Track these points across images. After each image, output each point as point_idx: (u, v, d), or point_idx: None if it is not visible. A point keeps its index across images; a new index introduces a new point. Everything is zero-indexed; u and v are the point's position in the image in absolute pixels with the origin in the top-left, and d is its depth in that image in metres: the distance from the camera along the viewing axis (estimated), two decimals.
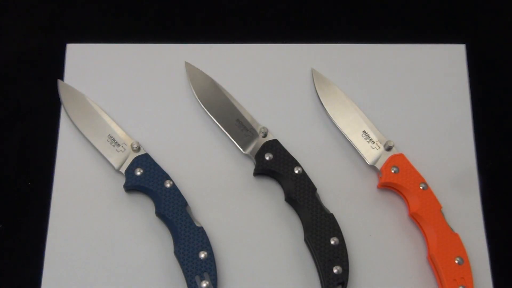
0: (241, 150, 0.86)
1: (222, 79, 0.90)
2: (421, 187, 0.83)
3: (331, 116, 0.88)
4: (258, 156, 0.85)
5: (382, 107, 0.90)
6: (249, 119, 0.87)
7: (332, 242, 0.80)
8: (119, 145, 0.85)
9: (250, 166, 0.86)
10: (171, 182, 0.82)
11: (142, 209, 0.84)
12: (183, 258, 0.79)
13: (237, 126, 0.87)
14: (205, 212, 0.84)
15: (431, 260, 0.80)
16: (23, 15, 0.97)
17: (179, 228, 0.80)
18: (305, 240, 0.81)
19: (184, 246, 0.79)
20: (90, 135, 0.86)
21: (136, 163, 0.83)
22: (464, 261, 0.79)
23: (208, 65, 0.91)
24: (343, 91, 0.90)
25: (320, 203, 0.82)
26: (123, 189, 0.84)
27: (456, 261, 0.79)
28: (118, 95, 0.90)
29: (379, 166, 0.85)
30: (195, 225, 0.80)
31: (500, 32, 0.98)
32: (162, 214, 0.81)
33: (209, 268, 0.78)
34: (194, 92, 0.90)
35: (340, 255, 0.79)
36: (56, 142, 0.87)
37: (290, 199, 0.83)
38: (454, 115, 0.90)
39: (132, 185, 0.83)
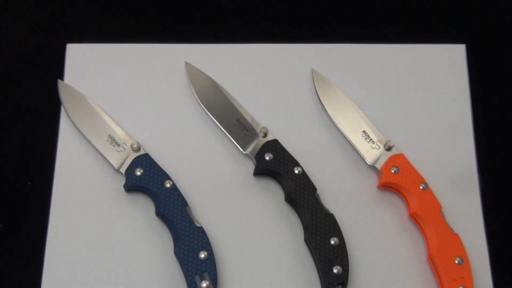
0: (241, 150, 0.86)
1: (222, 79, 0.90)
2: (421, 187, 0.83)
3: (331, 116, 0.88)
4: (258, 156, 0.85)
5: (382, 107, 0.90)
6: (249, 119, 0.87)
7: (332, 242, 0.80)
8: (119, 145, 0.85)
9: (250, 166, 0.86)
10: (171, 182, 0.82)
11: (142, 209, 0.84)
12: (183, 258, 0.79)
13: (237, 126, 0.87)
14: (205, 212, 0.84)
15: (431, 260, 0.80)
16: (23, 15, 0.97)
17: (179, 228, 0.80)
18: (305, 240, 0.81)
19: (184, 246, 0.79)
20: (90, 135, 0.86)
21: (136, 163, 0.83)
22: (464, 261, 0.79)
23: (208, 65, 0.91)
24: (343, 91, 0.90)
25: (320, 203, 0.82)
26: (123, 189, 0.84)
27: (456, 261, 0.79)
28: (118, 95, 0.90)
29: (379, 166, 0.85)
30: (195, 225, 0.80)
31: (500, 32, 0.98)
32: (162, 214, 0.81)
33: (209, 268, 0.78)
34: (194, 92, 0.90)
35: (340, 255, 0.79)
36: (56, 142, 0.87)
37: (290, 199, 0.83)
38: (454, 115, 0.90)
39: (132, 185, 0.83)
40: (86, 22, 0.97)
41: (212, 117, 0.88)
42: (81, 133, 0.86)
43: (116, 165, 0.84)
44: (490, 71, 0.95)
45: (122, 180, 0.84)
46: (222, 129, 0.87)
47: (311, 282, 0.81)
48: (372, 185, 0.86)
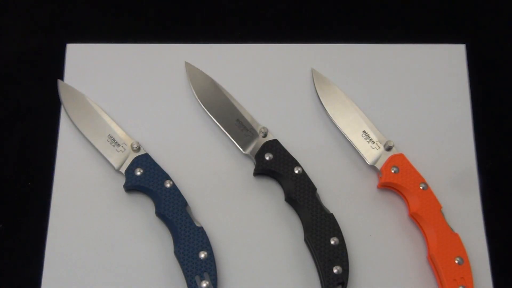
0: (241, 150, 0.86)
1: (222, 79, 0.90)
2: (421, 187, 0.83)
3: (331, 116, 0.88)
4: (258, 156, 0.85)
5: (382, 107, 0.90)
6: (249, 119, 0.87)
7: (332, 242, 0.80)
8: (119, 145, 0.85)
9: (250, 166, 0.86)
10: (171, 182, 0.82)
11: (142, 209, 0.84)
12: (183, 258, 0.79)
13: (237, 126, 0.87)
14: (205, 212, 0.84)
15: (431, 260, 0.80)
16: (23, 15, 0.97)
17: (179, 228, 0.80)
18: (305, 240, 0.81)
19: (184, 246, 0.79)
20: (90, 135, 0.86)
21: (136, 163, 0.83)
22: (464, 261, 0.79)
23: (208, 65, 0.91)
24: (343, 91, 0.90)
25: (320, 203, 0.82)
26: (123, 189, 0.84)
27: (456, 261, 0.79)
28: (118, 95, 0.90)
29: (379, 166, 0.85)
30: (195, 225, 0.80)
31: (500, 32, 0.98)
32: (162, 214, 0.81)
33: (209, 268, 0.78)
34: (194, 92, 0.90)
35: (340, 255, 0.79)
36: (56, 142, 0.87)
37: (290, 199, 0.83)
38: (454, 115, 0.90)
39: (132, 185, 0.83)
40: (86, 22, 0.97)
41: (212, 117, 0.88)
42: (81, 133, 0.86)
43: (116, 165, 0.84)
44: (490, 71, 0.95)
45: (122, 180, 0.84)
46: (222, 129, 0.87)
47: (311, 282, 0.81)
48: (372, 185, 0.86)
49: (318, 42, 0.94)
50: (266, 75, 0.92)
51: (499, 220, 0.86)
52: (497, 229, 0.85)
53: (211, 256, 0.79)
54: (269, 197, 0.85)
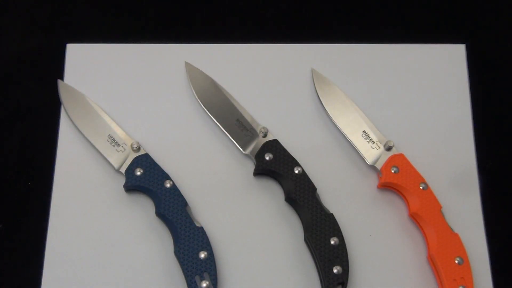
0: (241, 150, 0.86)
1: (222, 79, 0.90)
2: (421, 187, 0.83)
3: (331, 116, 0.88)
4: (258, 156, 0.85)
5: (382, 107, 0.90)
6: (249, 119, 0.87)
7: (332, 242, 0.80)
8: (119, 145, 0.85)
9: (250, 166, 0.86)
10: (171, 182, 0.82)
11: (142, 209, 0.84)
12: (183, 258, 0.79)
13: (237, 126, 0.87)
14: (205, 212, 0.84)
15: (431, 260, 0.80)
16: (23, 15, 0.97)
17: (179, 228, 0.80)
18: (305, 240, 0.81)
19: (184, 246, 0.79)
20: (90, 135, 0.86)
21: (136, 163, 0.83)
22: (464, 261, 0.79)
23: (208, 65, 0.91)
24: (343, 91, 0.90)
25: (320, 203, 0.82)
26: (123, 189, 0.84)
27: (456, 261, 0.79)
28: (118, 95, 0.90)
29: (379, 166, 0.85)
30: (195, 225, 0.80)
31: (500, 32, 0.98)
32: (162, 214, 0.81)
33: (209, 268, 0.78)
34: (194, 92, 0.90)
35: (340, 255, 0.79)
36: (56, 142, 0.87)
37: (290, 199, 0.83)
38: (454, 115, 0.90)
39: (132, 185, 0.83)
40: (86, 22, 0.97)
41: (212, 117, 0.88)
42: (81, 133, 0.86)
43: (116, 165, 0.84)
44: (490, 71, 0.95)
45: (122, 180, 0.84)
46: (222, 129, 0.87)
47: (311, 282, 0.81)
48: (372, 185, 0.86)
49: (318, 42, 0.94)
50: (266, 75, 0.92)
51: (499, 220, 0.86)
52: (497, 229, 0.85)
53: (211, 256, 0.79)
54: (269, 197, 0.85)
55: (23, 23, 0.97)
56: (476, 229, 0.84)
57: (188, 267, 0.78)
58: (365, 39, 0.95)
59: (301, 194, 0.82)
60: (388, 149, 0.85)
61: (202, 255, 0.79)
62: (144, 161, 0.84)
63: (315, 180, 0.84)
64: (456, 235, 0.81)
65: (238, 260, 0.82)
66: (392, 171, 0.84)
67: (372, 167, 0.86)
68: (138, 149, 0.84)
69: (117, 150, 0.85)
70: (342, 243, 0.80)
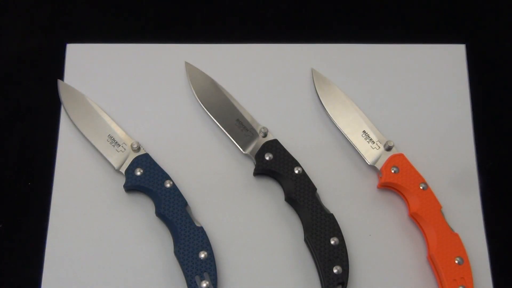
0: (241, 150, 0.86)
1: (222, 79, 0.90)
2: (421, 187, 0.83)
3: (331, 116, 0.88)
4: (258, 156, 0.85)
5: (382, 107, 0.90)
6: (249, 119, 0.87)
7: (332, 242, 0.80)
8: (119, 145, 0.85)
9: (250, 166, 0.86)
10: (171, 182, 0.82)
11: (142, 209, 0.84)
12: (183, 258, 0.79)
13: (237, 126, 0.87)
14: (205, 212, 0.84)
15: (431, 260, 0.80)
16: (23, 15, 0.97)
17: (179, 228, 0.80)
18: (305, 240, 0.81)
19: (184, 246, 0.79)
20: (90, 135, 0.86)
21: (136, 163, 0.83)
22: (464, 261, 0.79)
23: (208, 65, 0.91)
24: (343, 91, 0.90)
25: (320, 203, 0.82)
26: (123, 189, 0.84)
27: (456, 261, 0.79)
28: (118, 95, 0.90)
29: (379, 166, 0.85)
30: (195, 225, 0.80)
31: (500, 32, 0.98)
32: (162, 214, 0.81)
33: (209, 268, 0.78)
34: (194, 92, 0.90)
35: (340, 255, 0.79)
36: (56, 142, 0.87)
37: (290, 199, 0.83)
38: (454, 115, 0.90)
39: (132, 185, 0.83)
40: (86, 22, 0.97)
41: (212, 117, 0.88)
42: (81, 133, 0.86)
43: (116, 165, 0.84)
44: (490, 71, 0.95)
45: (122, 180, 0.84)
46: (222, 129, 0.87)
47: (311, 282, 0.81)
48: (372, 185, 0.86)
49: (318, 42, 0.94)
50: (266, 75, 0.92)
51: (499, 220, 0.86)
52: (497, 229, 0.85)
53: (211, 256, 0.79)
54: (269, 197, 0.85)
55: (23, 23, 0.97)
56: (476, 229, 0.84)
57: (188, 267, 0.78)
58: (365, 39, 0.95)
59: (301, 194, 0.82)
60: (388, 149, 0.85)
61: (202, 255, 0.79)
62: (144, 161, 0.84)
63: (315, 180, 0.84)
64: (456, 235, 0.81)
65: (238, 260, 0.82)
66: (392, 171, 0.84)
67: (372, 167, 0.86)
68: (138, 149, 0.84)
69: (117, 150, 0.85)
70: (342, 243, 0.80)
